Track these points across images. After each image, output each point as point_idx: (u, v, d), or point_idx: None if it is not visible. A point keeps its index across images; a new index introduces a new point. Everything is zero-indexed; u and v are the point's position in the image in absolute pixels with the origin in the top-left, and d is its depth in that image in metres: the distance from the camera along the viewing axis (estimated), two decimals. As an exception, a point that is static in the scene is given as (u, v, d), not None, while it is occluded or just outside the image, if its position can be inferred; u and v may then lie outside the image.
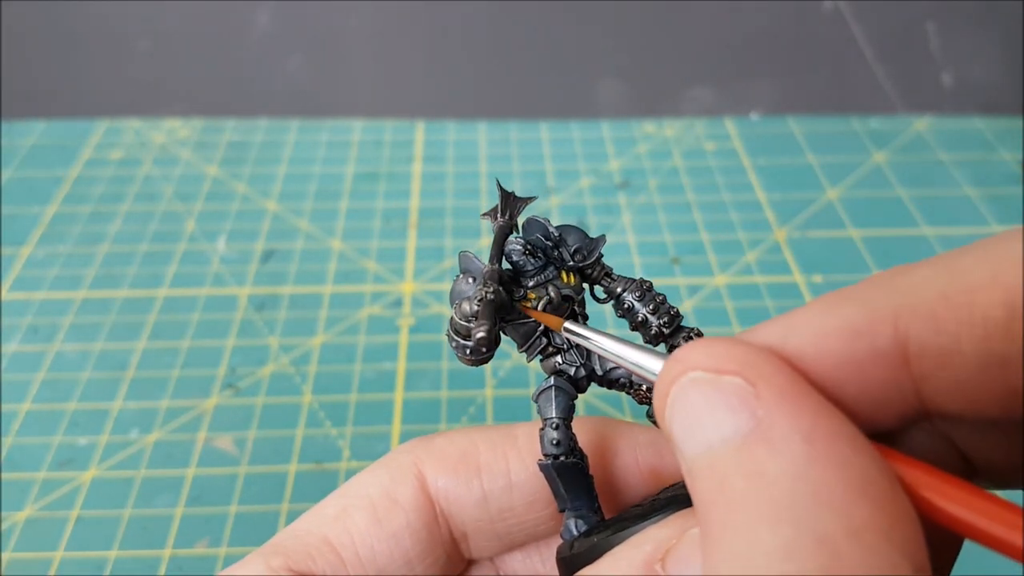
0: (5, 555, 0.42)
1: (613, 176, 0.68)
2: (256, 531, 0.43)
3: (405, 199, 0.66)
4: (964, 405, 0.18)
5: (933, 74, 0.74)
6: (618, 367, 0.26)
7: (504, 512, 0.28)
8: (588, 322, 0.26)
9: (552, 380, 0.26)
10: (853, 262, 0.59)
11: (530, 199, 0.27)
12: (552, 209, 0.64)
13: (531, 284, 0.26)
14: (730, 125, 0.73)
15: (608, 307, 0.27)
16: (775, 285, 0.57)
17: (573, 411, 0.26)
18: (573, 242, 0.26)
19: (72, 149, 0.71)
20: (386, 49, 0.74)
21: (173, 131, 0.73)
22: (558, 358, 0.26)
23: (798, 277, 0.58)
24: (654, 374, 0.22)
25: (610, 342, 0.24)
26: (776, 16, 0.73)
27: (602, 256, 0.27)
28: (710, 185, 0.67)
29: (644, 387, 0.25)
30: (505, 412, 0.49)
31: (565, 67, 0.75)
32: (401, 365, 0.52)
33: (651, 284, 0.26)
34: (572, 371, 0.26)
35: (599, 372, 0.26)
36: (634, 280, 0.26)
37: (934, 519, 0.17)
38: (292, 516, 0.43)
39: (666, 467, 0.28)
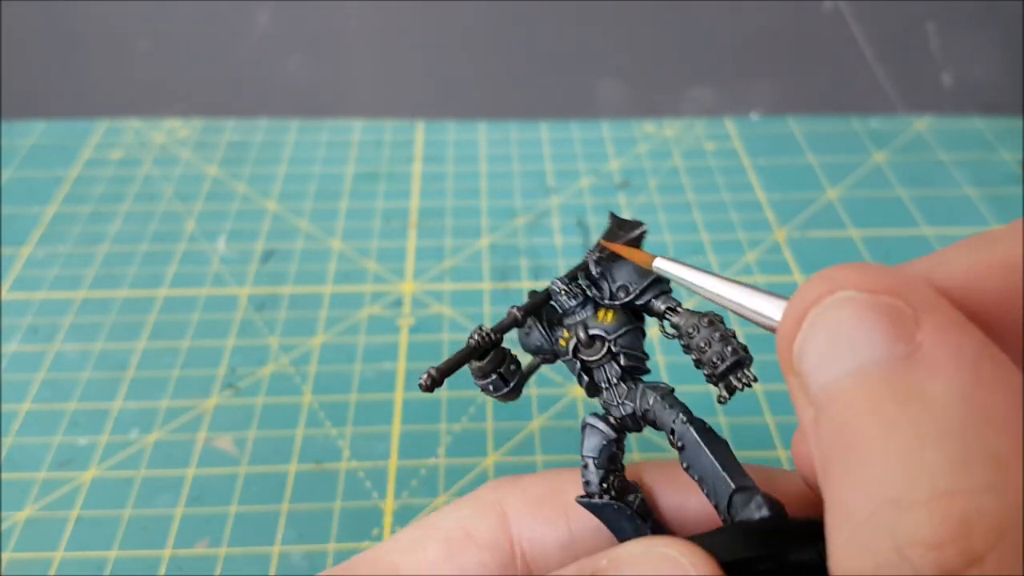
0: (5, 555, 0.42)
1: (613, 176, 0.68)
2: (256, 531, 0.43)
3: (405, 199, 0.66)
4: None
5: (933, 74, 0.74)
6: (653, 407, 0.25)
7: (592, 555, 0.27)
8: (623, 360, 0.25)
9: (587, 418, 0.25)
10: (853, 262, 0.59)
11: (637, 229, 0.26)
12: (552, 209, 0.64)
13: (568, 323, 0.26)
14: (730, 125, 0.73)
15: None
16: (775, 285, 0.57)
17: (607, 451, 0.25)
18: (620, 278, 0.25)
19: (72, 149, 0.71)
20: (386, 49, 0.74)
21: (173, 131, 0.73)
22: (602, 396, 0.25)
23: (798, 277, 0.58)
24: (764, 315, 0.21)
25: (710, 280, 0.22)
26: (776, 16, 0.73)
27: (670, 291, 0.25)
28: (710, 185, 0.67)
29: (674, 433, 0.24)
30: (505, 411, 0.49)
31: (565, 67, 0.75)
32: (401, 365, 0.52)
33: (720, 318, 0.24)
34: (612, 410, 0.25)
35: (638, 413, 0.25)
36: (703, 315, 0.25)
37: None
38: (292, 516, 0.44)
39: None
